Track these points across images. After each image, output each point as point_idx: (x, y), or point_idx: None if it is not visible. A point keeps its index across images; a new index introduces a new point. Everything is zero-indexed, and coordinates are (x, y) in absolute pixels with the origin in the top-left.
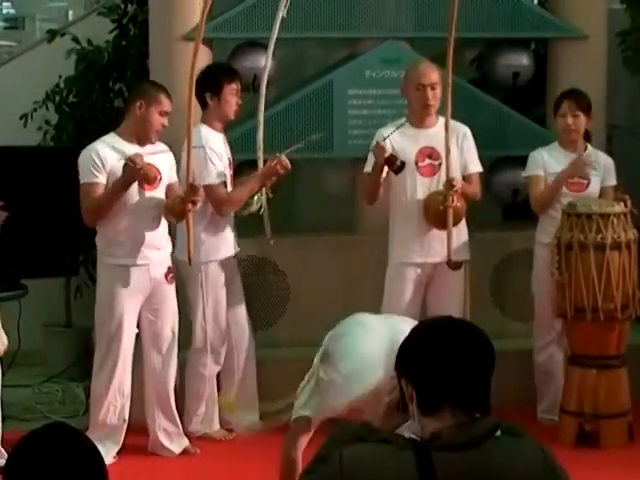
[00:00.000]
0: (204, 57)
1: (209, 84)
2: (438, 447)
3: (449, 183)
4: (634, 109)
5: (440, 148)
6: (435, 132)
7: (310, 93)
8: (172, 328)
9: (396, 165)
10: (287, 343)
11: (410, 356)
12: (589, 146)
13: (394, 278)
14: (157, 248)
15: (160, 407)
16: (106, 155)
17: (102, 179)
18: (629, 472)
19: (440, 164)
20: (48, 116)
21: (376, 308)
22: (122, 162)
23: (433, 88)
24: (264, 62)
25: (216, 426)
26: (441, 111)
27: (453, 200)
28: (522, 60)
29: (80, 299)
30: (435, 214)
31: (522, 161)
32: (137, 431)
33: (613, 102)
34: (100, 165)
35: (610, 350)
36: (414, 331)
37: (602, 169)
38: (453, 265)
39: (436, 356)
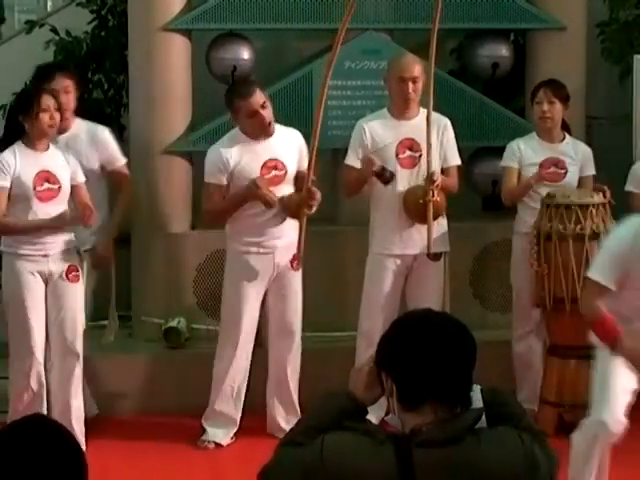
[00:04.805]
0: (183, 48)
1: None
2: (418, 443)
3: (430, 178)
4: (613, 100)
5: (420, 140)
6: (416, 123)
7: (290, 84)
8: (295, 315)
9: (385, 177)
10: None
11: (390, 351)
12: (567, 136)
13: (374, 269)
14: (281, 236)
15: (278, 391)
16: (231, 155)
17: (224, 181)
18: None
19: (420, 156)
20: None
21: (356, 298)
22: (246, 157)
23: (414, 82)
24: (244, 53)
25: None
26: (423, 102)
27: (433, 194)
28: (501, 51)
29: None
30: (415, 208)
31: (501, 152)
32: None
33: (592, 93)
34: (224, 168)
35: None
36: (394, 325)
37: (581, 158)
38: (433, 256)
39: (417, 352)
